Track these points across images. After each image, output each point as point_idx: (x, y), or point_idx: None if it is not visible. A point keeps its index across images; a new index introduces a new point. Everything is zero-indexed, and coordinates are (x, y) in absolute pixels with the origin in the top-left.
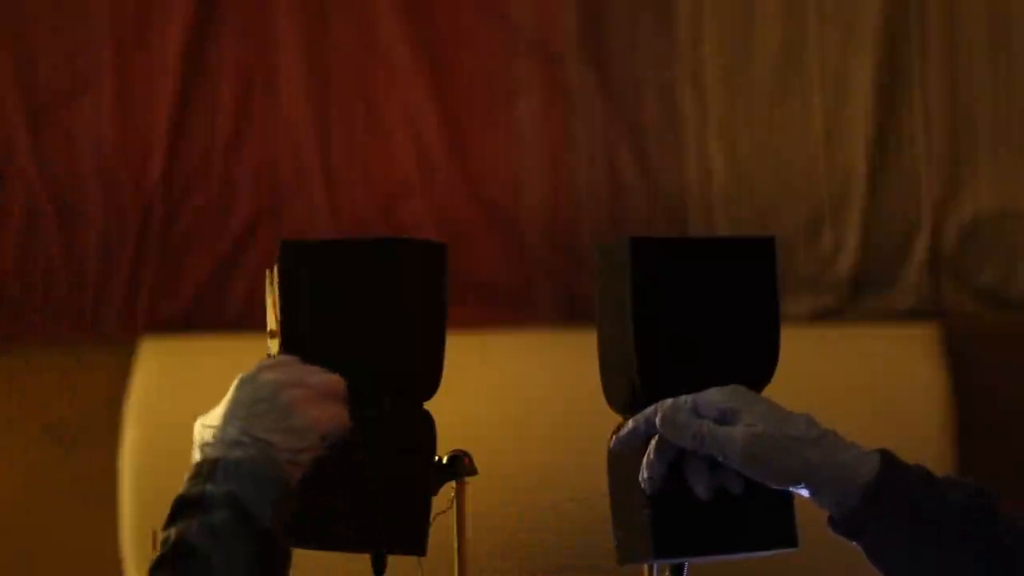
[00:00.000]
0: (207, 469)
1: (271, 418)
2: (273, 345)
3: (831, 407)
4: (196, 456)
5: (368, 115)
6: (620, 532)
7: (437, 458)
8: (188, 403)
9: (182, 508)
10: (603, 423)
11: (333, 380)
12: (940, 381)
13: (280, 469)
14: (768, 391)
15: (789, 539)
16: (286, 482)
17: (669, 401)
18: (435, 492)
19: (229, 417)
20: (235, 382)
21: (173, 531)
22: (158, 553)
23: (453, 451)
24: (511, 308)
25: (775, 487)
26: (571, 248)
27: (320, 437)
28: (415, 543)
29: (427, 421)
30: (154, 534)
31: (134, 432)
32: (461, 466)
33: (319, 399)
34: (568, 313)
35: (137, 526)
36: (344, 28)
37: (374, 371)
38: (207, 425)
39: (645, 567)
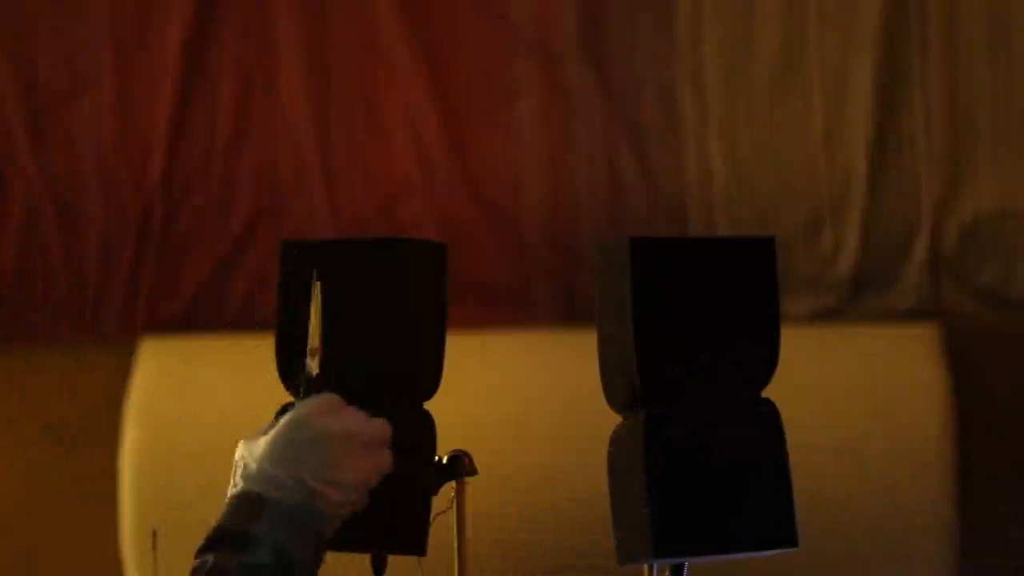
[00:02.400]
0: (252, 506)
1: (320, 467)
2: (314, 365)
3: (831, 407)
4: (236, 481)
5: (368, 115)
6: (620, 532)
7: (437, 458)
8: (188, 403)
9: (223, 539)
10: (603, 423)
11: (379, 428)
12: (940, 381)
13: (322, 522)
14: (768, 391)
15: (789, 539)
16: (324, 533)
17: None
18: (435, 492)
19: (277, 456)
20: (284, 419)
21: (211, 558)
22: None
23: (453, 451)
24: (511, 308)
25: None
26: (571, 248)
27: (364, 491)
28: (415, 543)
29: (427, 421)
30: (154, 534)
31: (134, 432)
32: (461, 466)
33: (366, 451)
34: (568, 313)
35: (137, 526)
36: (344, 28)
37: (374, 371)
38: (252, 455)
39: (645, 567)
